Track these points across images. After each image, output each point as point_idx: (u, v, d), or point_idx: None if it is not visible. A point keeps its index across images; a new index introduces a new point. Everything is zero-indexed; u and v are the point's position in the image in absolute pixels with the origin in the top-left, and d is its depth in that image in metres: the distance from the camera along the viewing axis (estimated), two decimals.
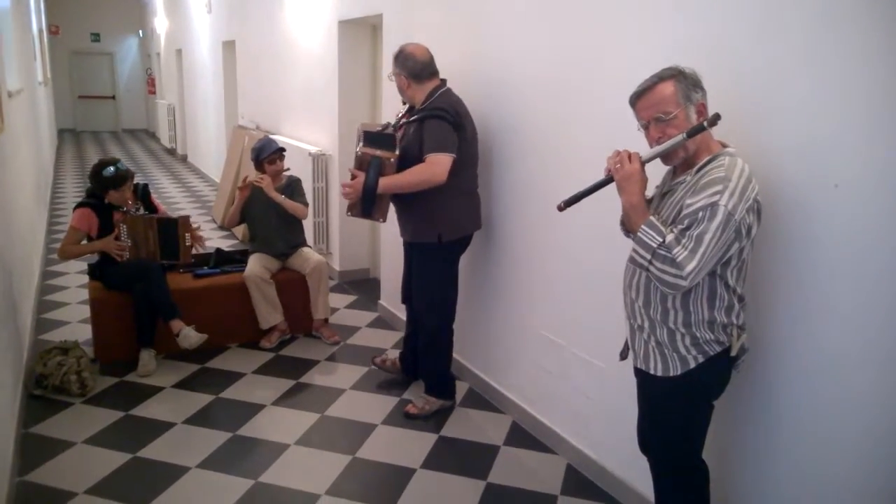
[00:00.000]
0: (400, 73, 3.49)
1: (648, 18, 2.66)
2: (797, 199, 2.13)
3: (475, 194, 3.64)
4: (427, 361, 3.80)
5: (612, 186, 2.16)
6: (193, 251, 4.45)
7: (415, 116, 3.45)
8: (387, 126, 3.61)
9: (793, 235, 2.16)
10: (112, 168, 4.19)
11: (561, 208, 2.28)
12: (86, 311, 4.69)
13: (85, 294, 4.89)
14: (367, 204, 3.41)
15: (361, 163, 3.35)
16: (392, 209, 3.61)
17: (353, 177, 3.39)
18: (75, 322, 4.92)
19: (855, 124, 1.97)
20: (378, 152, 3.34)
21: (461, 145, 3.40)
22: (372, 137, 3.44)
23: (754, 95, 2.25)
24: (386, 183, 3.34)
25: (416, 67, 3.47)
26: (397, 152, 3.38)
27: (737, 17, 2.30)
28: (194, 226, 4.43)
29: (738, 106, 2.23)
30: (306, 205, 4.75)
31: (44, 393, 3.79)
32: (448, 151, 3.34)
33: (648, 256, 1.99)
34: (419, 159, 3.35)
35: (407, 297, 3.92)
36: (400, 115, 3.65)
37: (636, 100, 2.11)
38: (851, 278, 2.01)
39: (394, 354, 4.22)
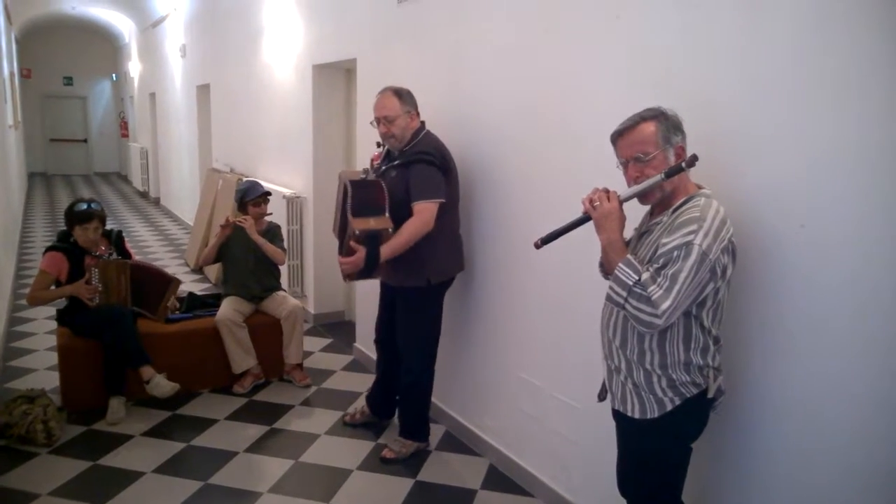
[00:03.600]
0: (411, 110, 3.43)
1: (623, 64, 2.71)
2: (766, 239, 2.16)
3: (458, 235, 3.64)
4: (409, 404, 3.75)
5: (591, 226, 2.17)
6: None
7: (398, 161, 3.42)
8: (366, 173, 3.59)
9: (763, 276, 2.19)
10: (84, 205, 4.17)
11: (538, 246, 2.29)
12: (53, 358, 4.58)
13: (53, 341, 4.79)
14: (367, 272, 3.34)
15: (359, 238, 3.24)
16: None
17: (353, 251, 3.27)
18: (42, 369, 4.81)
19: (820, 165, 2.01)
20: (372, 222, 3.25)
21: (447, 188, 3.39)
22: (359, 196, 3.30)
23: (726, 139, 2.29)
24: (386, 252, 3.26)
25: (416, 104, 3.47)
26: (388, 217, 3.27)
27: (712, 61, 2.35)
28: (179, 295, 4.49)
29: (709, 148, 2.27)
30: (284, 251, 4.75)
31: (8, 443, 3.68)
32: (435, 198, 3.32)
33: (624, 294, 2.00)
34: (404, 203, 3.32)
35: (380, 339, 3.89)
36: (377, 159, 3.62)
37: (617, 138, 2.15)
38: (822, 317, 2.04)
39: (360, 404, 4.16)
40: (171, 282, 4.44)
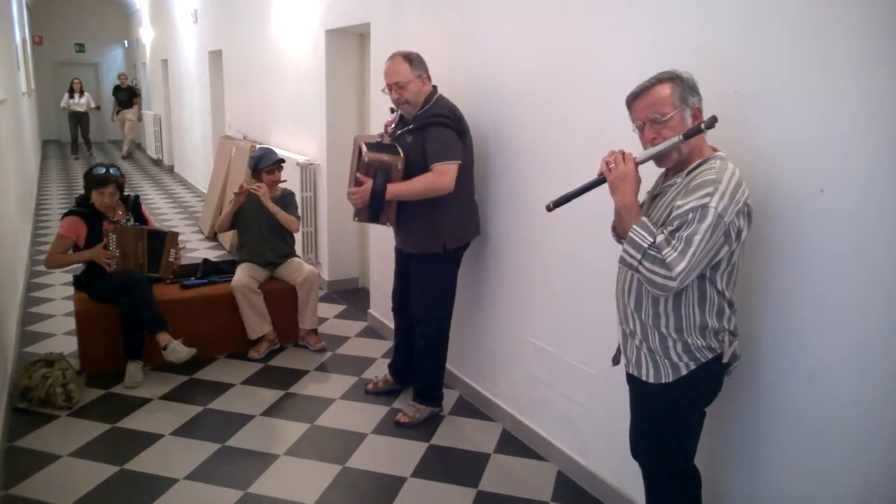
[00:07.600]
0: (422, 74, 3.39)
1: (639, 23, 2.67)
2: (785, 203, 2.14)
3: (474, 200, 3.63)
4: (424, 368, 3.76)
5: (604, 189, 2.16)
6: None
7: (413, 125, 3.40)
8: (382, 137, 3.58)
9: (781, 240, 2.17)
10: (102, 169, 4.19)
11: (550, 208, 2.27)
12: (71, 322, 4.64)
13: (70, 306, 4.85)
14: (374, 210, 3.37)
15: (368, 168, 3.28)
16: None
17: (360, 182, 3.32)
18: (60, 334, 4.87)
19: (840, 128, 1.98)
20: (385, 157, 3.28)
21: (463, 151, 3.38)
22: (375, 146, 3.38)
23: (743, 100, 2.26)
24: (394, 190, 3.29)
25: (426, 67, 3.43)
26: (402, 156, 3.31)
27: (727, 23, 2.31)
28: (181, 244, 4.43)
29: (726, 110, 2.24)
30: (298, 219, 4.75)
31: (29, 406, 3.74)
32: (454, 159, 3.30)
33: (638, 257, 1.99)
34: (422, 167, 3.31)
35: (398, 307, 3.90)
36: (390, 125, 3.60)
37: (633, 100, 2.12)
38: (840, 283, 2.02)
39: (382, 374, 4.18)
40: (166, 234, 4.35)
